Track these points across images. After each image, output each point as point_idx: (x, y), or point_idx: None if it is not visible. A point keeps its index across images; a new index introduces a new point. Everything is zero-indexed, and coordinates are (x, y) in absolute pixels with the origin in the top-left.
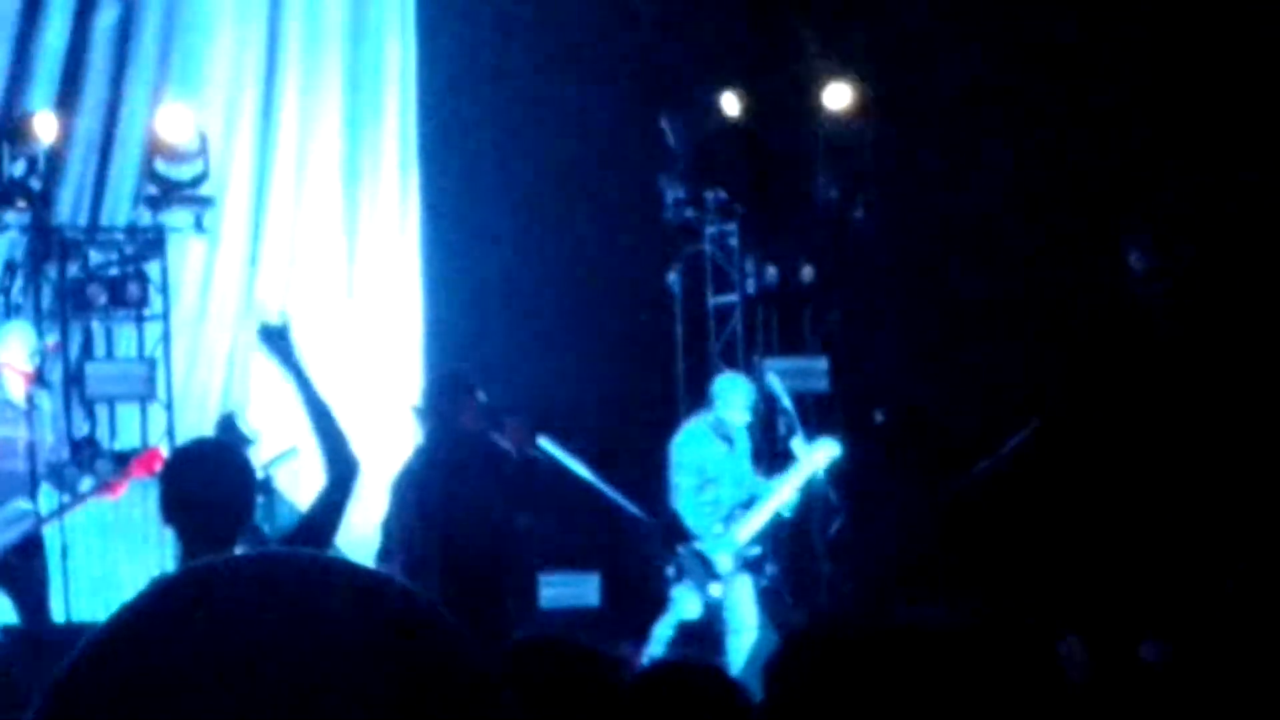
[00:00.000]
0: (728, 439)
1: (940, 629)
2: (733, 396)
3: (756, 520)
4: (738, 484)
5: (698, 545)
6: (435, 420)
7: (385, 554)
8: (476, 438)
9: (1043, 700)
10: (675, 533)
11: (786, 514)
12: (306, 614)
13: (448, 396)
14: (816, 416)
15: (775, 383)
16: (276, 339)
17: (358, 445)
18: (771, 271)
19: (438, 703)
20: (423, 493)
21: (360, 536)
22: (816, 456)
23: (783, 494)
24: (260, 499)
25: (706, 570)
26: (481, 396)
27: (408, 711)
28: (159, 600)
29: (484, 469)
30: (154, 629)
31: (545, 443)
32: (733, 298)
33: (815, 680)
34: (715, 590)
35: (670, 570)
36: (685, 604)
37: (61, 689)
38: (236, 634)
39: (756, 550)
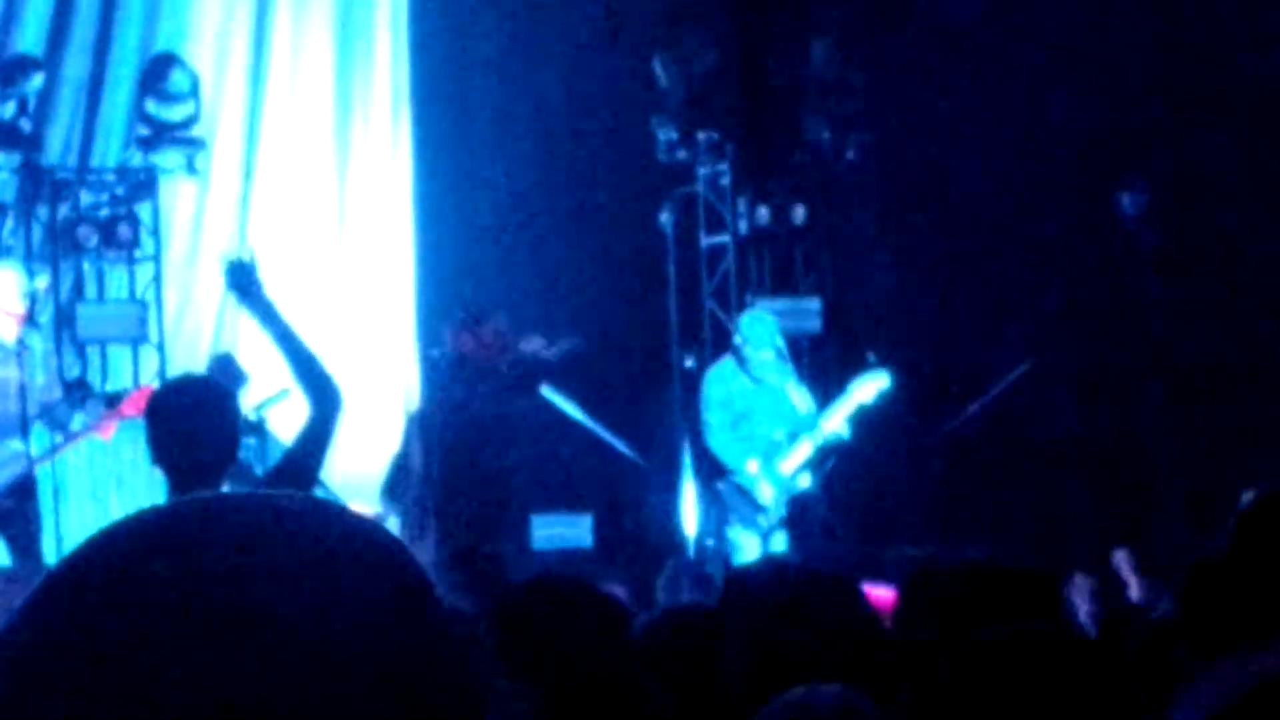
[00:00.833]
0: (756, 376)
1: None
2: (754, 333)
3: (800, 452)
4: (774, 418)
5: (735, 479)
6: (444, 357)
7: (390, 489)
8: (479, 371)
9: (1046, 640)
10: (712, 470)
11: (846, 438)
12: (266, 558)
13: (448, 333)
14: (809, 357)
15: (745, 327)
16: (244, 278)
17: (351, 385)
18: (763, 212)
19: (412, 653)
20: (425, 431)
21: (360, 473)
22: (866, 388)
23: (828, 425)
24: (253, 440)
25: (749, 502)
26: (485, 330)
27: (375, 659)
28: (118, 537)
29: (484, 406)
30: (114, 566)
31: (546, 390)
32: (725, 238)
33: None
34: (763, 521)
35: (711, 520)
36: (744, 546)
37: (23, 620)
38: (197, 574)
39: (806, 483)
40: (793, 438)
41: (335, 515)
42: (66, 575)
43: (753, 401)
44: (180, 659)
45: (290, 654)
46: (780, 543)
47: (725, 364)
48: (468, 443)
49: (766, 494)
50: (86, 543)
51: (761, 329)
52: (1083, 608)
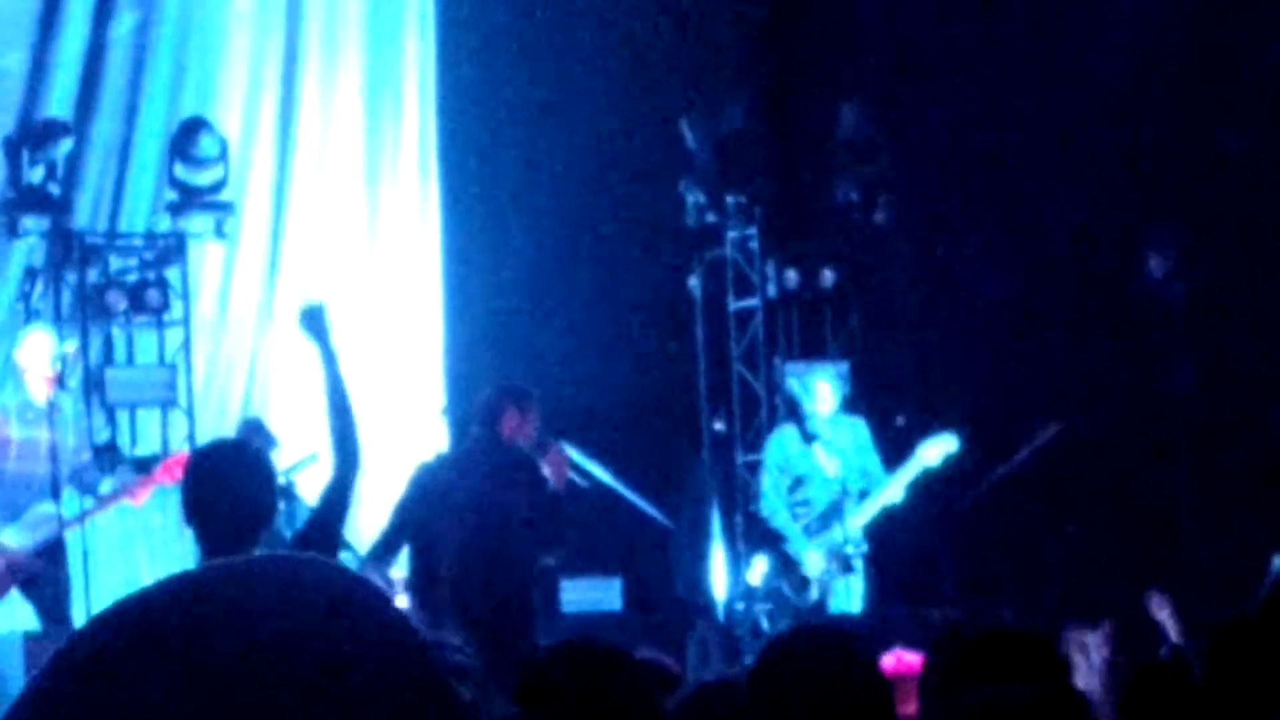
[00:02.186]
0: (815, 436)
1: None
2: (812, 387)
3: (863, 515)
4: (831, 483)
5: (785, 547)
6: (477, 425)
7: (392, 533)
8: (512, 452)
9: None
10: (764, 537)
11: (897, 505)
12: (277, 630)
13: (494, 404)
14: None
15: (796, 387)
16: (315, 320)
17: (377, 447)
18: (792, 275)
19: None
20: (449, 488)
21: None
22: (931, 451)
23: (891, 490)
24: (281, 505)
25: (796, 574)
26: (534, 419)
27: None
28: (136, 607)
29: (517, 481)
30: (128, 633)
31: (566, 448)
32: (754, 302)
33: (790, 683)
34: (813, 592)
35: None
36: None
37: (38, 689)
38: (206, 641)
39: (861, 548)
40: (860, 500)
41: (335, 584)
42: (81, 646)
43: (812, 465)
44: None
45: None
46: (849, 598)
47: (782, 427)
48: (494, 502)
49: (815, 564)
50: (108, 611)
51: (811, 381)
52: (1094, 659)
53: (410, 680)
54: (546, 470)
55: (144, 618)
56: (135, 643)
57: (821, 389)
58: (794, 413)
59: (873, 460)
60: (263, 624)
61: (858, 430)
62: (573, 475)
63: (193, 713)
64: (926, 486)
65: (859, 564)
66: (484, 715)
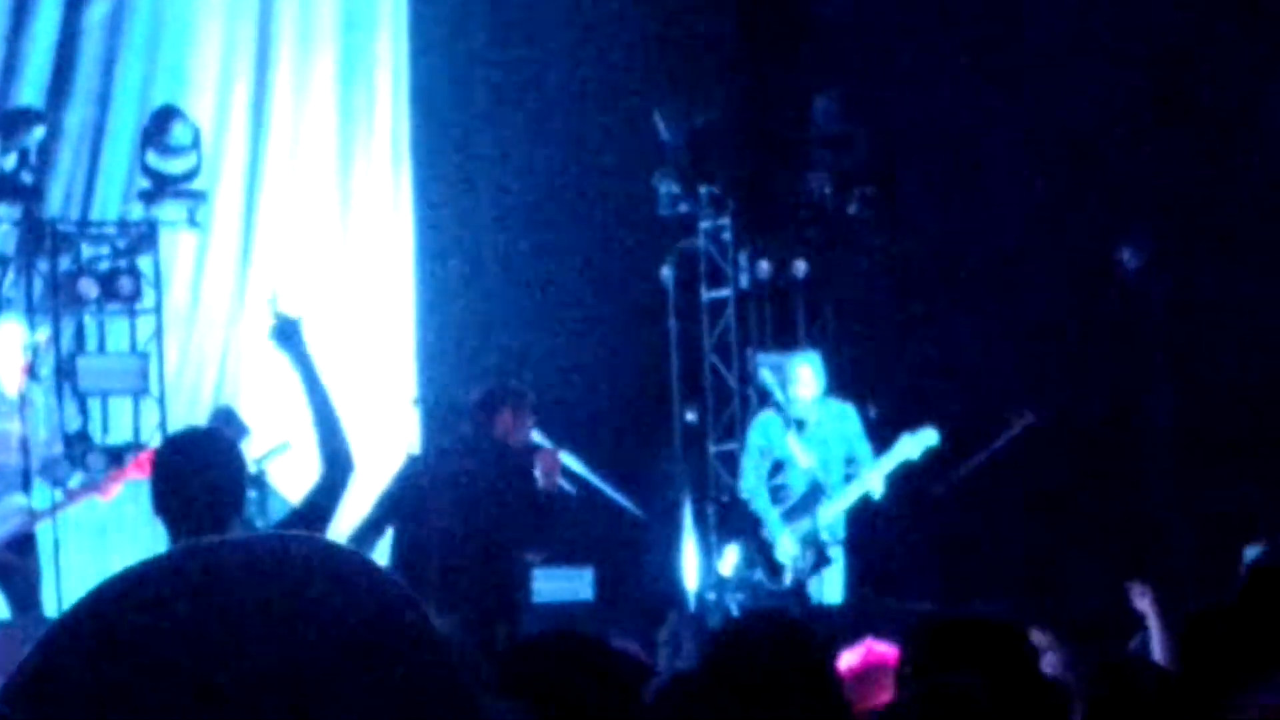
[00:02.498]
0: (798, 422)
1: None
2: (794, 371)
3: (835, 504)
4: (812, 467)
5: (762, 532)
6: (470, 422)
7: (373, 524)
8: (504, 451)
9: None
10: (744, 520)
11: (876, 498)
12: (279, 597)
13: (488, 403)
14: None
15: (768, 378)
16: (290, 335)
17: (351, 439)
18: (765, 266)
19: (413, 689)
20: (435, 481)
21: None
22: (912, 444)
23: (870, 479)
24: (253, 494)
25: (768, 559)
26: (526, 417)
27: (378, 696)
28: (136, 579)
29: (499, 482)
30: (127, 610)
31: (536, 436)
32: (726, 292)
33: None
34: (786, 577)
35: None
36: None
37: (28, 672)
38: (208, 615)
39: (838, 534)
40: (845, 483)
41: (331, 554)
42: (64, 629)
43: (793, 451)
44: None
45: (285, 700)
46: (832, 593)
47: (765, 411)
48: (482, 497)
49: (788, 549)
50: (88, 594)
51: (794, 367)
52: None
53: (413, 644)
54: (537, 471)
55: (153, 589)
56: (146, 613)
57: (803, 373)
58: (765, 403)
59: (863, 447)
60: (264, 593)
61: (846, 416)
62: (563, 481)
63: (199, 680)
64: (903, 478)
65: (838, 554)
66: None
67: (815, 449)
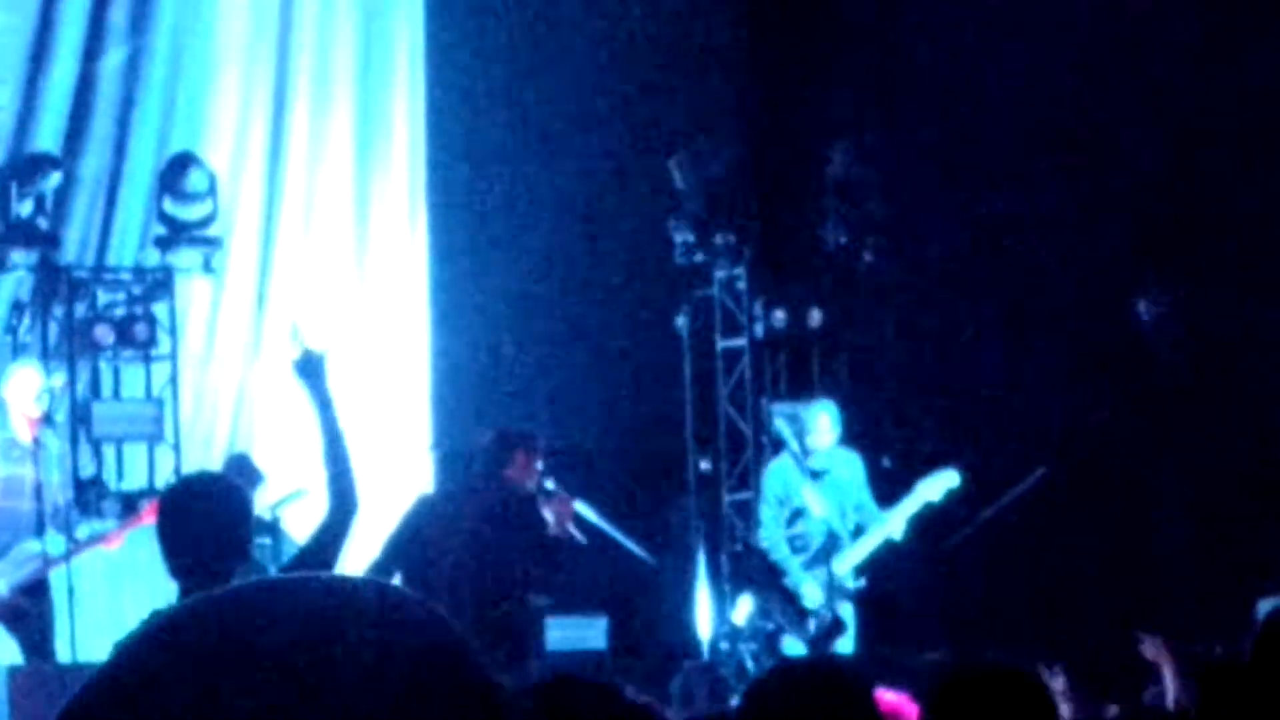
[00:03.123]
0: (814, 471)
1: (933, 670)
2: (813, 420)
3: (858, 551)
4: (830, 516)
5: (784, 581)
6: (481, 464)
7: (381, 567)
8: (515, 493)
9: None
10: (763, 571)
11: (898, 540)
12: (315, 639)
13: (503, 446)
14: None
15: (782, 427)
16: (314, 369)
17: (364, 481)
18: (779, 315)
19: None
20: (444, 527)
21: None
22: (933, 487)
23: (891, 524)
24: (267, 540)
25: (794, 607)
26: (539, 464)
27: None
28: (161, 632)
29: (514, 523)
30: (157, 663)
31: (549, 483)
32: (741, 341)
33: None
34: (811, 625)
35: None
36: (794, 651)
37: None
38: (246, 662)
39: (858, 583)
40: (855, 535)
41: (384, 597)
42: (96, 697)
43: (815, 493)
44: None
45: None
46: (844, 644)
47: (781, 458)
48: (488, 544)
49: (814, 596)
50: (144, 629)
51: (813, 415)
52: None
53: (458, 681)
54: (548, 514)
55: (196, 632)
56: (190, 654)
57: (822, 421)
58: (779, 451)
59: (865, 495)
60: (309, 632)
61: (853, 464)
62: (574, 530)
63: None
64: (915, 527)
65: (848, 609)
66: None
67: (831, 497)
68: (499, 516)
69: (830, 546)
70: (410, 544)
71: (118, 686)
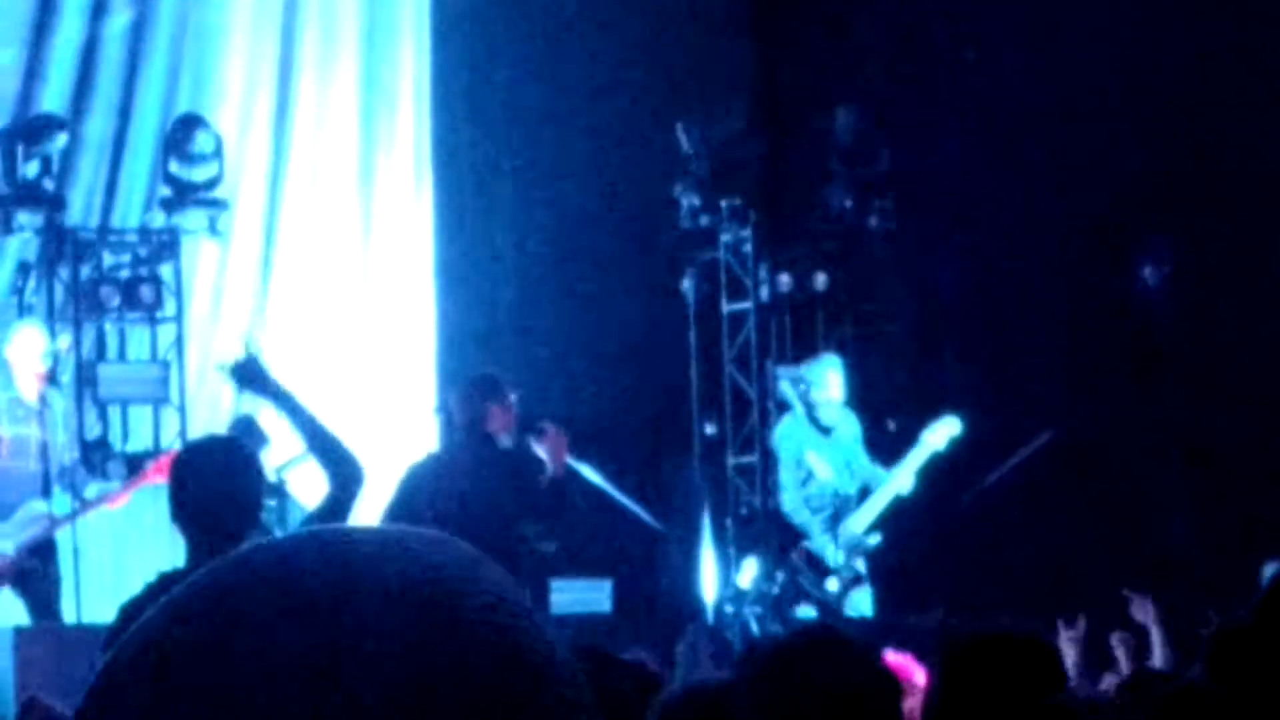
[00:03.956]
0: (824, 427)
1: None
2: (822, 376)
3: (870, 509)
4: (839, 473)
5: (805, 544)
6: (460, 421)
7: None
8: (504, 446)
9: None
10: (784, 533)
11: (906, 494)
12: (356, 589)
13: (474, 399)
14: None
15: (788, 390)
16: (251, 375)
17: (370, 449)
18: (785, 279)
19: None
20: (435, 492)
21: None
22: (937, 435)
23: (900, 478)
24: (273, 502)
25: (817, 569)
26: (513, 402)
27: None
28: (192, 597)
29: (504, 476)
30: (190, 630)
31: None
32: (747, 305)
33: (791, 681)
34: (831, 584)
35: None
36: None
37: (93, 704)
38: (282, 624)
39: (875, 540)
40: (864, 494)
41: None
42: (128, 666)
43: (823, 456)
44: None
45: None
46: (862, 604)
47: (790, 418)
48: (482, 507)
49: (835, 555)
50: (145, 623)
51: (821, 370)
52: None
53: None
54: (543, 452)
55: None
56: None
57: (830, 376)
58: (784, 411)
59: (861, 453)
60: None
61: (852, 422)
62: (571, 461)
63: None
64: (923, 480)
65: (862, 565)
66: None
67: (837, 454)
68: (487, 474)
69: (840, 505)
70: (402, 516)
71: (140, 669)
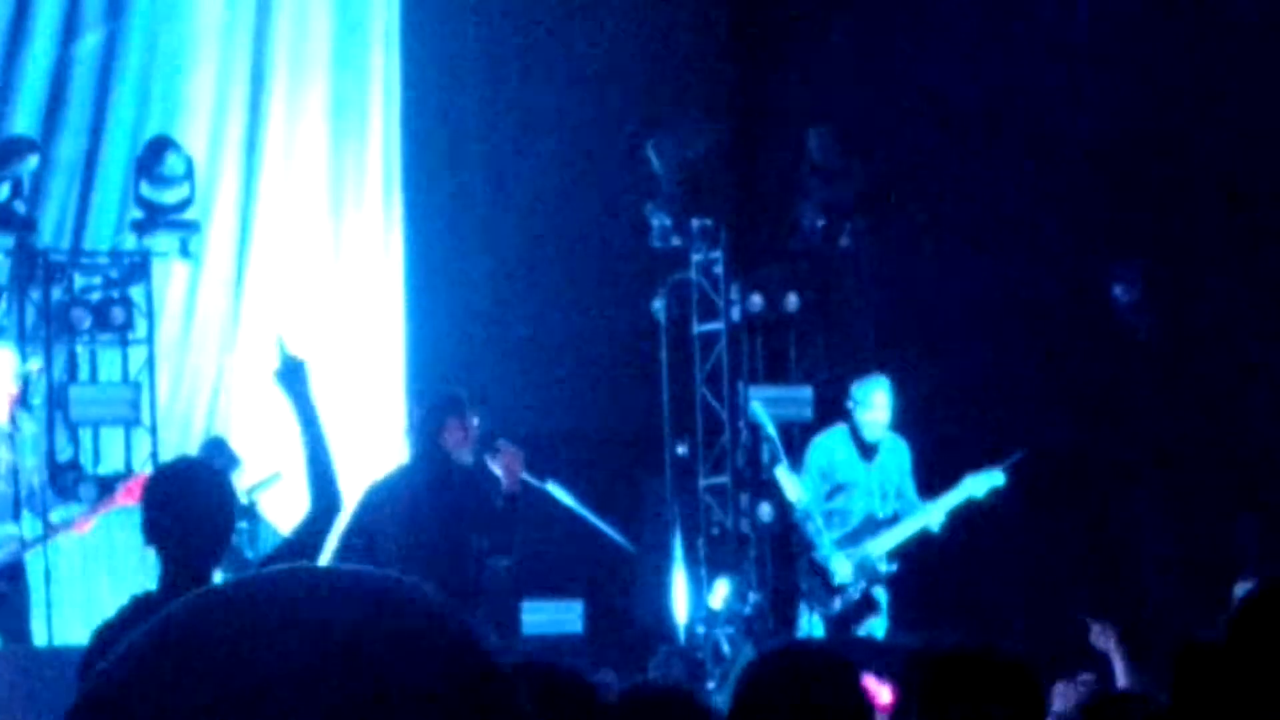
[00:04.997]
0: (867, 447)
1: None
2: (869, 395)
3: (893, 536)
4: (872, 495)
5: (814, 554)
6: (419, 439)
7: (335, 559)
8: (460, 462)
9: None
10: (795, 542)
11: (935, 531)
12: (323, 630)
13: (434, 416)
14: (801, 445)
15: (759, 411)
16: (295, 377)
17: (340, 468)
18: (756, 299)
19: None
20: (394, 510)
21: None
22: (979, 483)
23: (932, 515)
24: (244, 524)
25: (823, 581)
26: (474, 421)
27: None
28: (168, 629)
29: (458, 492)
30: (164, 661)
31: (532, 475)
32: (718, 325)
33: (779, 698)
34: (837, 603)
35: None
36: (809, 626)
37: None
38: (256, 658)
39: (889, 567)
40: (892, 522)
41: (395, 590)
42: (106, 693)
43: (856, 476)
44: None
45: None
46: (878, 626)
47: (834, 431)
48: (440, 525)
49: (843, 572)
50: (122, 653)
51: (870, 391)
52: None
53: (473, 677)
54: (499, 470)
55: (195, 635)
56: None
57: (878, 397)
58: (756, 439)
59: (909, 485)
60: (322, 626)
61: (900, 450)
62: (528, 477)
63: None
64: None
65: (882, 592)
66: None
67: (874, 476)
68: (441, 489)
69: (866, 528)
70: (362, 534)
71: (117, 697)
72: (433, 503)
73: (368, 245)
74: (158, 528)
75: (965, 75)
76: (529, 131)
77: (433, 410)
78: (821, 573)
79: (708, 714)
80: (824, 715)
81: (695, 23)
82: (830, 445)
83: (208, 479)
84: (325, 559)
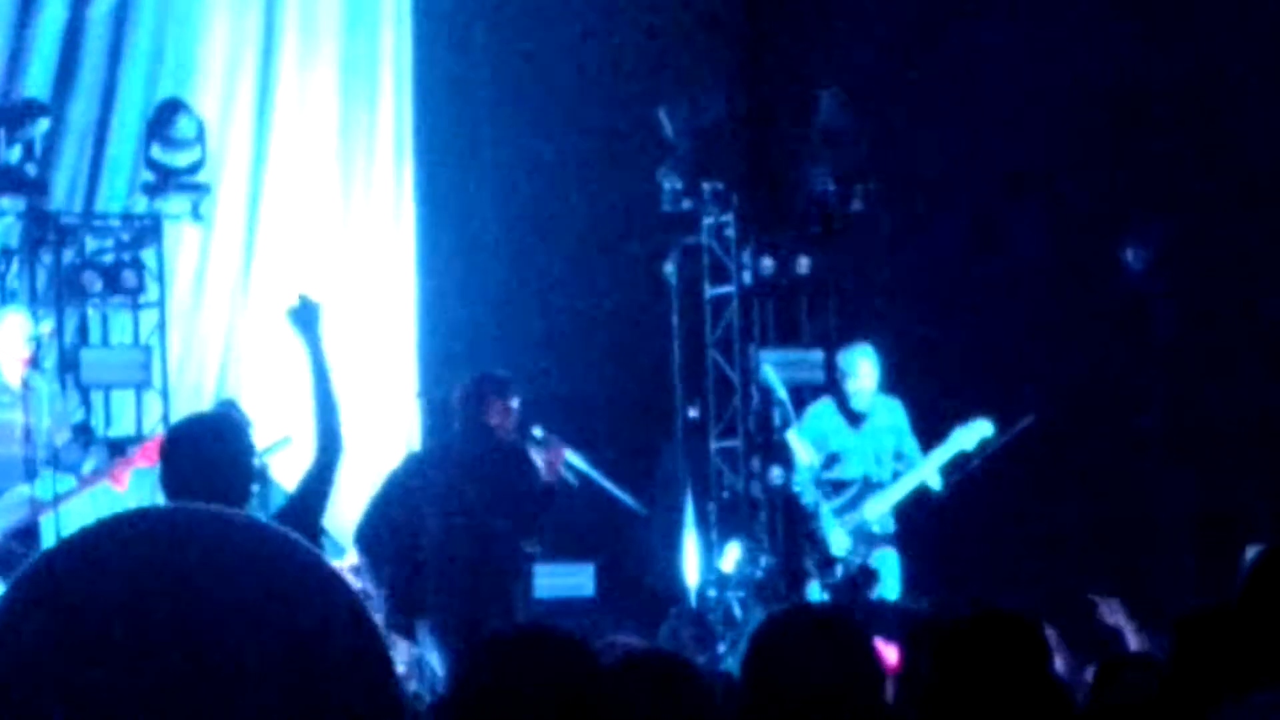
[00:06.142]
0: (855, 415)
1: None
2: (854, 365)
3: (889, 495)
4: (867, 460)
5: (812, 525)
6: (461, 416)
7: (364, 529)
8: (502, 441)
9: (1033, 687)
10: (793, 513)
11: (935, 489)
12: (204, 567)
13: (478, 394)
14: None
15: (771, 374)
16: (308, 319)
17: (350, 428)
18: (768, 263)
19: (323, 666)
20: (435, 484)
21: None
22: (968, 435)
23: (924, 471)
24: (255, 487)
25: (820, 552)
26: (515, 402)
27: (288, 670)
28: (64, 556)
29: (498, 469)
30: (55, 585)
31: (537, 430)
32: (729, 289)
33: (791, 660)
34: (838, 571)
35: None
36: (814, 594)
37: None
38: (135, 582)
39: (889, 528)
40: (884, 483)
41: (277, 540)
42: (30, 587)
43: (848, 443)
44: (127, 672)
45: (226, 670)
46: (889, 589)
47: (821, 403)
48: (489, 500)
49: (841, 543)
50: (48, 556)
51: (855, 359)
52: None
53: (346, 629)
54: (539, 461)
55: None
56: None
57: (863, 366)
58: (768, 403)
59: (910, 443)
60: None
61: (895, 411)
62: (565, 473)
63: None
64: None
65: (890, 556)
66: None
67: (867, 442)
68: (482, 470)
69: (863, 492)
70: (396, 505)
71: (19, 611)
72: (476, 478)
73: (379, 208)
74: (178, 479)
75: (978, 37)
76: (540, 94)
77: (477, 390)
78: (820, 544)
79: (700, 679)
80: (836, 677)
81: None
82: (819, 416)
83: (229, 433)
84: (357, 527)
